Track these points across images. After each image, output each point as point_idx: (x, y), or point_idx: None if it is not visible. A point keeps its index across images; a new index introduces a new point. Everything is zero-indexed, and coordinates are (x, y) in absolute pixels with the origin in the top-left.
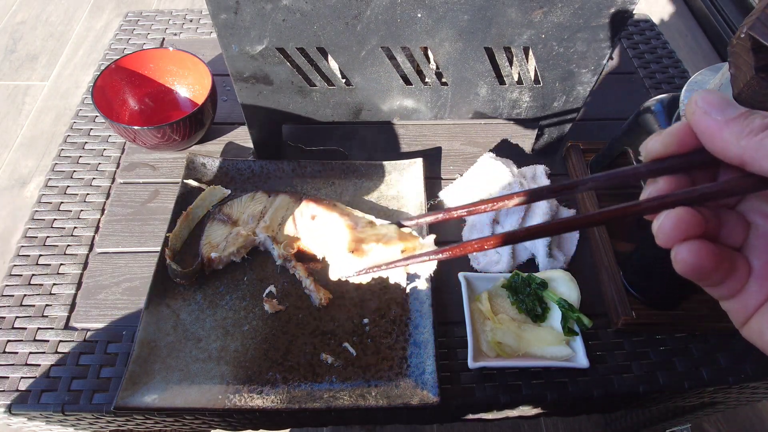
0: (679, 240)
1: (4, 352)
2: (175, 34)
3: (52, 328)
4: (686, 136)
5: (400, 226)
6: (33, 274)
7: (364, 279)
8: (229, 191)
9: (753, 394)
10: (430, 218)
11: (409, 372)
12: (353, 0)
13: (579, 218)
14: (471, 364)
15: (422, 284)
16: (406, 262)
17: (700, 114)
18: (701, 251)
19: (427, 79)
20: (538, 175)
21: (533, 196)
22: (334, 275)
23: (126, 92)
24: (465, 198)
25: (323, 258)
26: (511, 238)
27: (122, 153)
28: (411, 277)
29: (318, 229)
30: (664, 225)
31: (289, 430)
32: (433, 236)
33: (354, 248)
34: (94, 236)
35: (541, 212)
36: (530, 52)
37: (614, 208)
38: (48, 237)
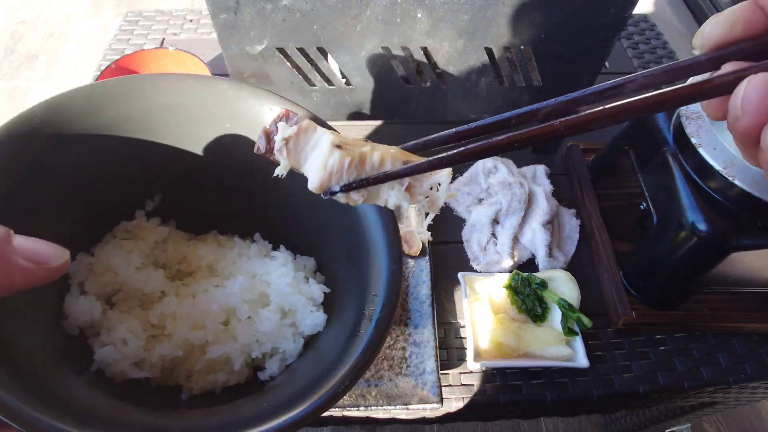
0: None
1: None
2: (175, 34)
3: None
4: (755, 14)
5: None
6: None
7: (354, 198)
8: None
9: (753, 394)
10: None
11: (409, 372)
12: (353, 0)
13: (636, 101)
14: (471, 364)
15: (422, 282)
16: (404, 171)
17: None
18: None
19: (427, 79)
20: (538, 175)
21: (570, 103)
22: (313, 185)
23: None
24: (465, 198)
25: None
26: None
27: None
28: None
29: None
30: (748, 95)
31: None
32: (449, 168)
33: (340, 143)
34: None
35: (541, 212)
36: (530, 52)
37: (681, 86)
38: None
